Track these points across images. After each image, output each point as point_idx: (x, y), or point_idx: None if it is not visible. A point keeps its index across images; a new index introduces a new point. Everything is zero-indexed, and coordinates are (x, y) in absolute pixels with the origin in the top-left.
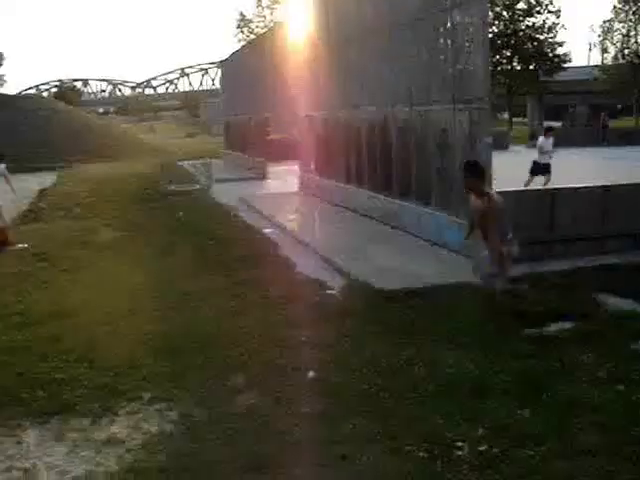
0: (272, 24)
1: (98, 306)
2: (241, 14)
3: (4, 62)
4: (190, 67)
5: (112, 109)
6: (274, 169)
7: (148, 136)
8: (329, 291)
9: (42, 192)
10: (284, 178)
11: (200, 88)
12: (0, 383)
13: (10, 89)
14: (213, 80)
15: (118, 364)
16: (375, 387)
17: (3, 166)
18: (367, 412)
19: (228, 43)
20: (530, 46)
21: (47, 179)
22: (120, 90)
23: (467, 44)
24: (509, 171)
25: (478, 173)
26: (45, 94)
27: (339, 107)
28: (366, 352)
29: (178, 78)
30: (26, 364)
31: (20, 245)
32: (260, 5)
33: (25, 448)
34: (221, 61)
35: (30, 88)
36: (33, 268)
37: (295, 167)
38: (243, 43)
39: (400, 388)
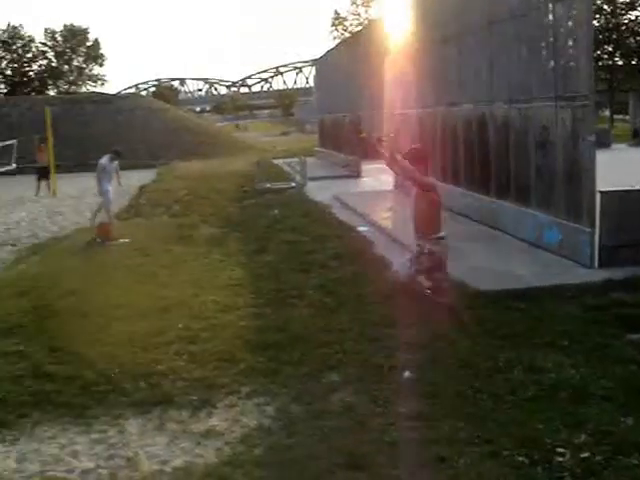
0: (367, 22)
1: (197, 301)
2: (336, 12)
3: (105, 63)
4: (284, 66)
5: (208, 108)
6: (368, 167)
7: (243, 134)
8: (425, 291)
9: (142, 189)
10: (378, 176)
11: (294, 86)
12: (104, 373)
13: (110, 89)
14: (307, 78)
15: (216, 358)
16: (472, 389)
17: (116, 163)
18: (464, 414)
19: (322, 41)
20: (633, 41)
21: (146, 176)
22: (216, 89)
23: (569, 39)
24: (613, 170)
25: (421, 160)
26: (144, 93)
27: (435, 105)
28: (463, 353)
29: (273, 77)
30: (128, 355)
31: (122, 240)
32: (355, 3)
33: (127, 437)
34: (315, 59)
35: (129, 87)
36: (135, 263)
37: None
38: (337, 41)
39: (498, 391)
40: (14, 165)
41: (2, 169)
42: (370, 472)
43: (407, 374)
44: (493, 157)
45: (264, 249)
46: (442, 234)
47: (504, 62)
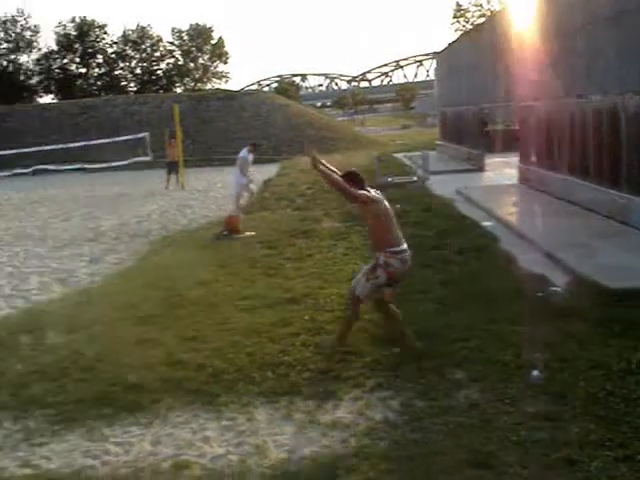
0: (489, 13)
1: (322, 293)
2: (457, 4)
3: (229, 60)
4: (404, 59)
5: (329, 102)
6: (492, 160)
7: (363, 129)
8: (553, 288)
9: (267, 183)
10: (502, 170)
11: (415, 80)
12: (233, 362)
13: (234, 85)
14: (427, 72)
15: (342, 350)
16: (603, 391)
17: (251, 156)
18: (595, 416)
19: (443, 34)
20: None
21: (270, 170)
22: (337, 84)
23: None
24: None
25: (356, 182)
26: (266, 89)
27: (562, 96)
28: (593, 354)
29: (393, 70)
30: (256, 345)
31: (248, 233)
32: None
33: (256, 425)
34: (436, 52)
35: (252, 84)
36: (260, 255)
37: (514, 159)
38: (459, 33)
39: (631, 394)
40: (149, 157)
41: (139, 159)
42: (497, 471)
43: (535, 373)
44: (624, 150)
45: None
46: (402, 248)
47: (635, 52)
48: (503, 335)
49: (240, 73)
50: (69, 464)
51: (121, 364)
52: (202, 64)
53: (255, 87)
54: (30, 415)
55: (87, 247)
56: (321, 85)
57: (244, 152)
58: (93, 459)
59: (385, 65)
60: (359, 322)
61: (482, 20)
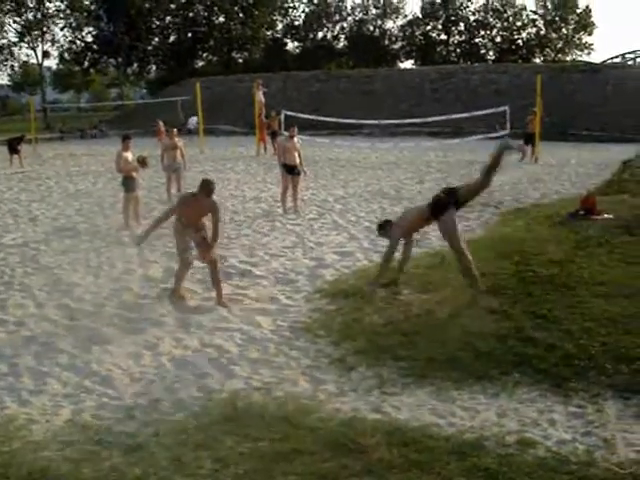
0: None
1: None
2: None
3: (594, 31)
4: None
5: None
6: None
7: None
8: None
9: (626, 164)
10: None
11: None
12: (586, 349)
13: (596, 58)
14: None
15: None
16: None
17: None
18: None
19: None
20: None
21: (629, 150)
22: None
23: None
24: None
25: None
26: (630, 63)
27: None
28: None
29: None
30: (611, 335)
31: (606, 215)
32: None
33: (605, 418)
34: None
35: (615, 57)
36: (619, 241)
37: None
38: None
39: None
40: (507, 131)
41: (496, 134)
42: None
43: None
44: None
45: None
46: None
47: None
48: None
49: (604, 45)
50: (417, 418)
51: (471, 330)
52: (565, 34)
53: (618, 60)
54: (383, 364)
55: None
56: None
57: None
58: (439, 418)
59: None
60: None
61: None
